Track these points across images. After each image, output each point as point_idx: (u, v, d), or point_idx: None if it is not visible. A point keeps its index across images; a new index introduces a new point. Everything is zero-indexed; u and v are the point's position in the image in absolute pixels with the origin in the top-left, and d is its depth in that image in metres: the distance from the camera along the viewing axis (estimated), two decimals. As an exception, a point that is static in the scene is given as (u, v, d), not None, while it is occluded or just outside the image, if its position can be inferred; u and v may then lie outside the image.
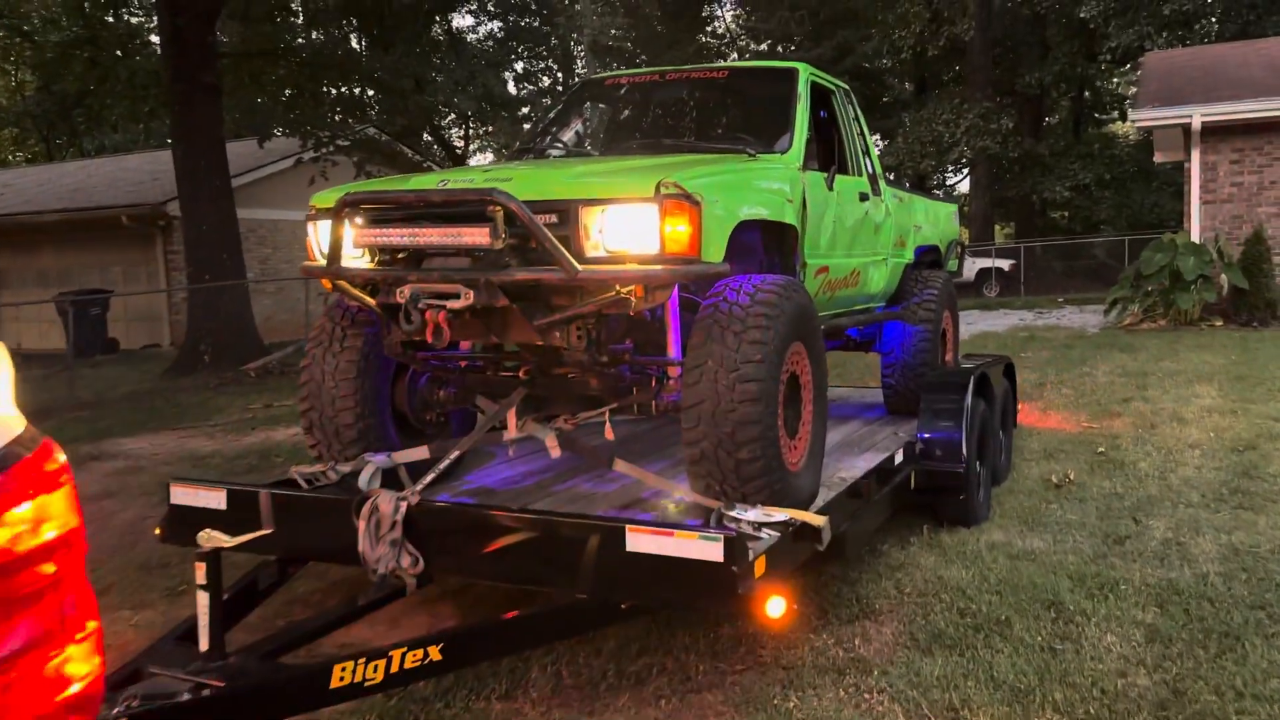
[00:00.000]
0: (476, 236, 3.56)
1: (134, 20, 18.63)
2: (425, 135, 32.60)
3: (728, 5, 42.79)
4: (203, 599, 3.38)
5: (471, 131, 42.42)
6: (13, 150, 44.15)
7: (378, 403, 4.48)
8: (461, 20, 40.45)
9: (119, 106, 16.64)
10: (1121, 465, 6.64)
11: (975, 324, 18.38)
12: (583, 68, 44.26)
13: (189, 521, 4.08)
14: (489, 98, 29.94)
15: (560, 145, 5.43)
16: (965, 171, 34.80)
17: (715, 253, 3.74)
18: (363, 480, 4.33)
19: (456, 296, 3.65)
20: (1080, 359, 12.10)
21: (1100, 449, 7.11)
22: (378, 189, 3.94)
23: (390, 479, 4.41)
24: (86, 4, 23.10)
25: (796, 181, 4.59)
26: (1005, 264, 27.19)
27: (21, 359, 18.54)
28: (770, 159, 4.63)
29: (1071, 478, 6.37)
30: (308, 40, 17.99)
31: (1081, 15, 24.51)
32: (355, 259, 4.01)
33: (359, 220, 3.82)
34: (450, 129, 39.42)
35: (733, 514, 3.72)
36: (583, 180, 3.74)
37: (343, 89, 19.62)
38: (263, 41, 15.38)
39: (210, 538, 3.38)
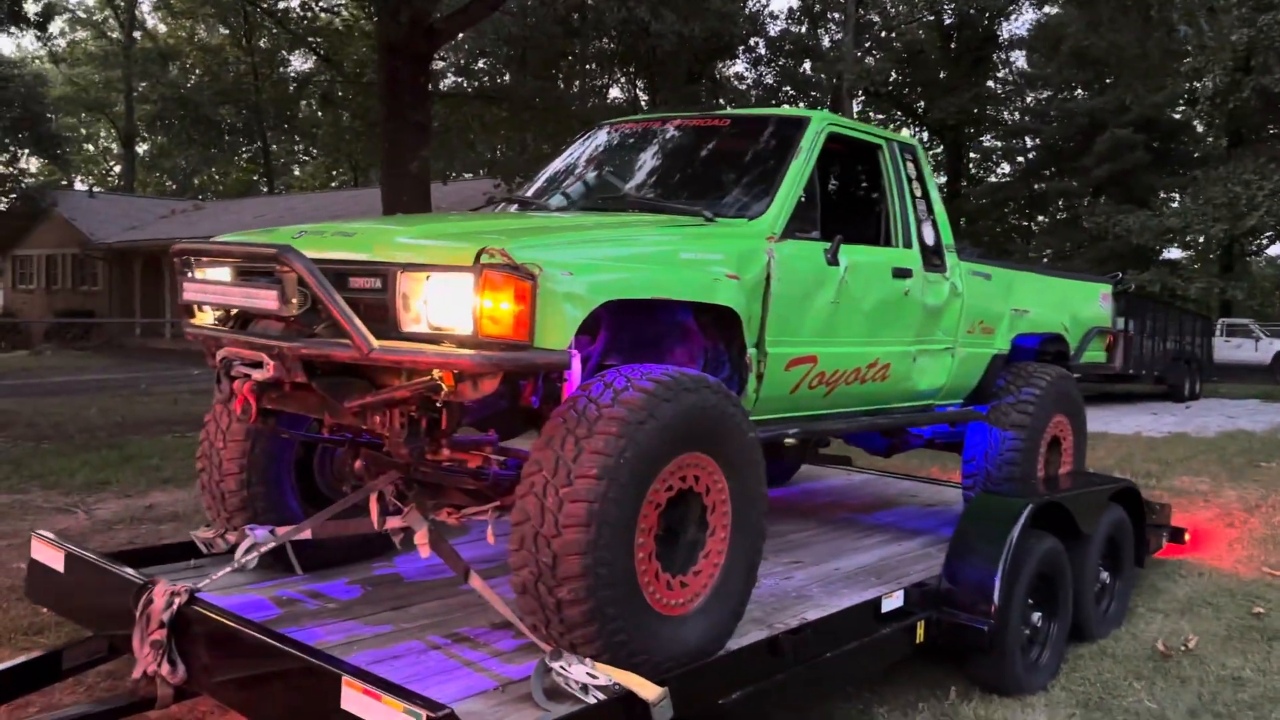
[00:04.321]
0: (266, 300, 3.07)
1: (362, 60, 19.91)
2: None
3: (1016, 51, 40.36)
4: None
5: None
6: (327, 177, 49.03)
7: (271, 470, 4.09)
8: (739, 67, 40.62)
9: (358, 142, 17.80)
10: (1274, 637, 5.09)
11: (1238, 418, 15.81)
12: (857, 112, 43.14)
13: (42, 580, 3.87)
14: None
15: (564, 197, 4.84)
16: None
17: (556, 338, 3.03)
18: (238, 555, 3.94)
19: (262, 366, 3.19)
20: (1332, 478, 9.88)
21: (1260, 609, 5.53)
22: (206, 243, 3.54)
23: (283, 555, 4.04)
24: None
25: (755, 253, 3.76)
26: (1309, 348, 23.49)
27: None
28: (728, 225, 3.83)
29: (1190, 645, 4.94)
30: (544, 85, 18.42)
31: None
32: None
33: (189, 274, 3.46)
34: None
35: (557, 665, 3.01)
36: (406, 242, 3.16)
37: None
38: (482, 86, 15.86)
39: None
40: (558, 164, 4.94)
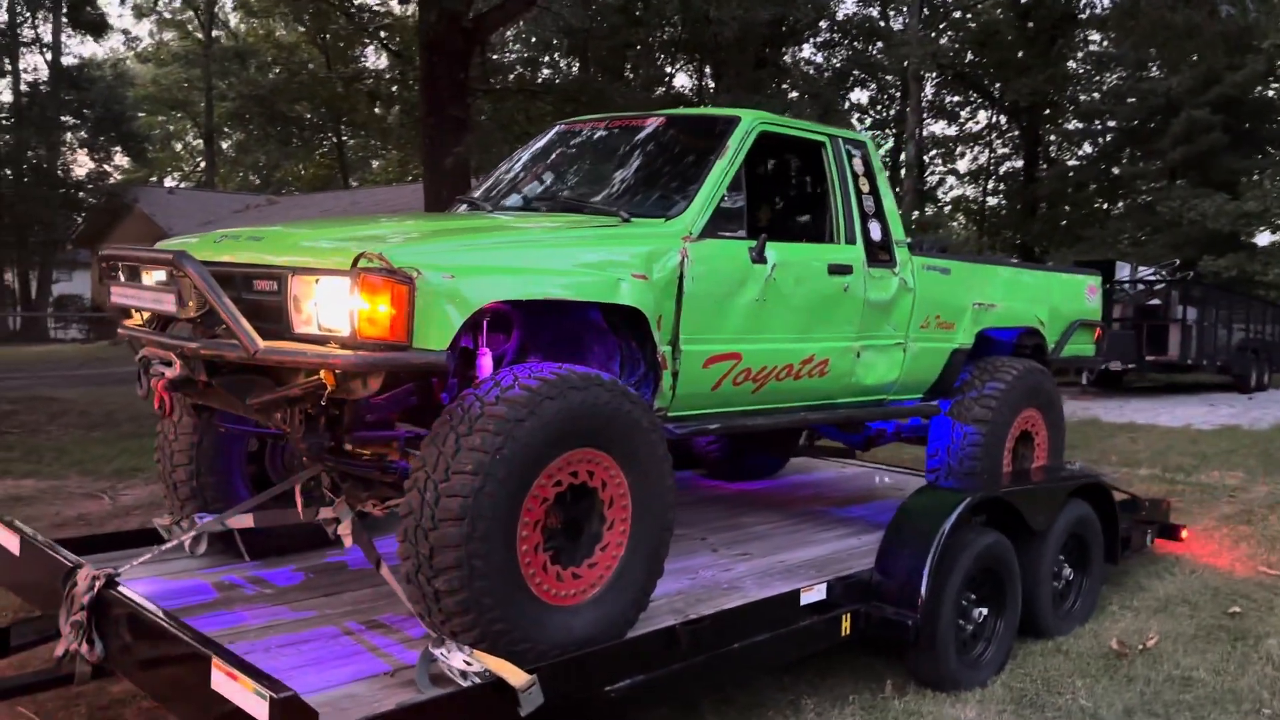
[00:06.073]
0: (166, 304, 3.27)
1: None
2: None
3: (1096, 30, 39.08)
4: None
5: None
6: (402, 171, 49.84)
7: (220, 461, 4.31)
8: (807, 51, 40.16)
9: (407, 136, 18.16)
10: (1241, 637, 4.98)
11: (1297, 410, 15.22)
12: (930, 95, 42.32)
13: (2, 562, 4.13)
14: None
15: (507, 196, 4.94)
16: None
17: (436, 339, 3.15)
18: (186, 541, 4.19)
19: (172, 365, 3.39)
20: (1375, 473, 9.50)
21: (1237, 609, 5.40)
22: (121, 249, 3.73)
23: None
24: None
25: (666, 253, 3.82)
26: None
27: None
28: (642, 225, 3.90)
29: (1149, 645, 4.86)
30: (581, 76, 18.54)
31: None
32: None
33: (114, 276, 3.67)
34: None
35: (438, 652, 3.15)
36: (301, 246, 3.32)
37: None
38: (523, 79, 16.04)
39: None
40: (510, 163, 5.05)
